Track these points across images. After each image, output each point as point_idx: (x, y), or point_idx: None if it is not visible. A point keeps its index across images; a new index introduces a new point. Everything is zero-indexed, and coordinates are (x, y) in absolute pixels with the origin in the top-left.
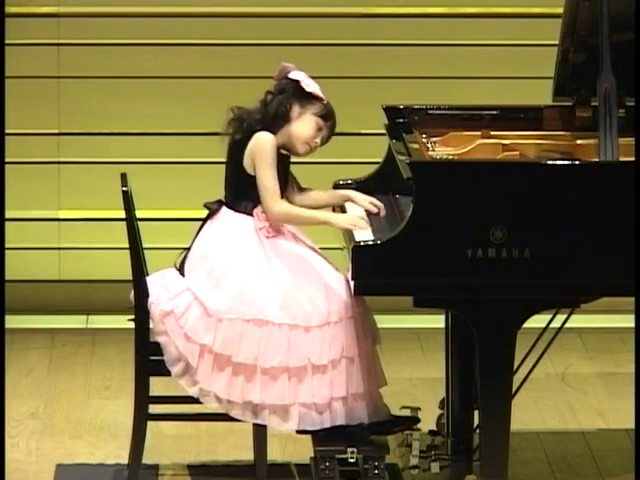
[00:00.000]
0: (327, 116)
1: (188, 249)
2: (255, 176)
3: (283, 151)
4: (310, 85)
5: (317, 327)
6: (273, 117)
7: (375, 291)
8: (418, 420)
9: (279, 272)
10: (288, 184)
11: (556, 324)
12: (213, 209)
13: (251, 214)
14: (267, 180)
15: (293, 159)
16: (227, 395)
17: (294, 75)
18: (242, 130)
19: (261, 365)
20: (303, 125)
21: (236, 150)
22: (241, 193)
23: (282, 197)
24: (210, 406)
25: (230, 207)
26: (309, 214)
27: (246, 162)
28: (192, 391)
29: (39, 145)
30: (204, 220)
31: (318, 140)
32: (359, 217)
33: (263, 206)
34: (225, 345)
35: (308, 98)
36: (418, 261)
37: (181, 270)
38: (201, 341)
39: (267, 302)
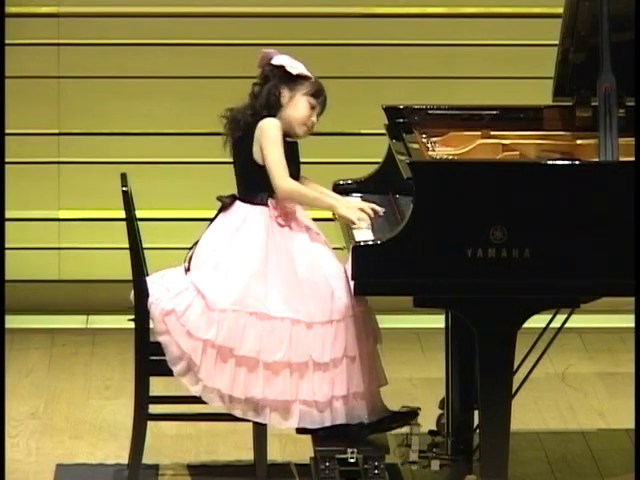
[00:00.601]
0: (318, 93)
1: (194, 246)
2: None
3: (287, 138)
4: (295, 67)
5: (319, 324)
6: (265, 107)
7: (375, 291)
8: (416, 414)
9: (285, 267)
10: (300, 171)
11: (556, 324)
12: (226, 203)
13: (267, 205)
14: (274, 157)
15: None
16: (230, 391)
17: (277, 61)
18: (240, 128)
19: (263, 359)
20: (296, 107)
21: (240, 147)
22: (255, 185)
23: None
24: (210, 406)
25: (245, 200)
26: (316, 195)
27: (255, 152)
28: (195, 390)
29: (39, 145)
30: (216, 214)
31: (314, 118)
32: (363, 215)
33: (272, 184)
34: (228, 338)
35: (295, 80)
36: (418, 261)
37: (189, 263)
38: (204, 337)
39: (271, 296)
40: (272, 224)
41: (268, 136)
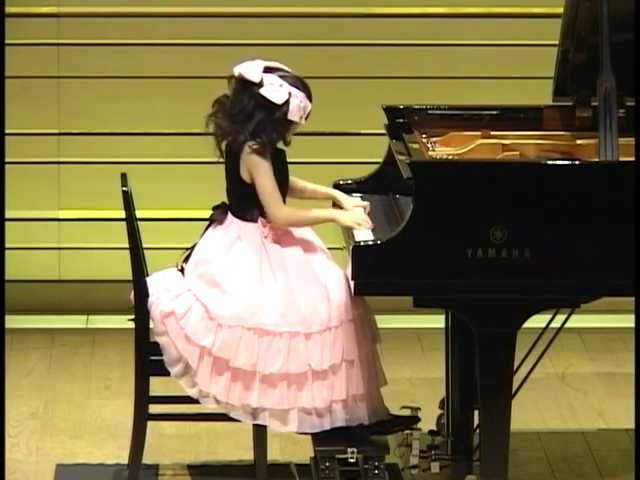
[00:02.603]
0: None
1: (191, 249)
2: (254, 185)
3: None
4: (304, 115)
5: (318, 333)
6: (271, 143)
7: (375, 291)
8: (418, 419)
9: (281, 280)
10: (289, 179)
11: (556, 324)
12: (219, 218)
13: (257, 222)
14: (266, 187)
15: (293, 159)
16: (226, 398)
17: (293, 116)
18: (232, 143)
19: (260, 371)
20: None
21: (229, 161)
22: (245, 202)
23: (285, 190)
24: (210, 406)
25: (236, 215)
26: (313, 215)
27: (243, 173)
28: (191, 392)
29: (39, 145)
30: (209, 223)
31: None
32: (362, 217)
33: (267, 213)
34: (224, 349)
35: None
36: (418, 261)
37: (183, 270)
38: (201, 343)
39: (268, 311)
40: (265, 239)
41: (257, 165)
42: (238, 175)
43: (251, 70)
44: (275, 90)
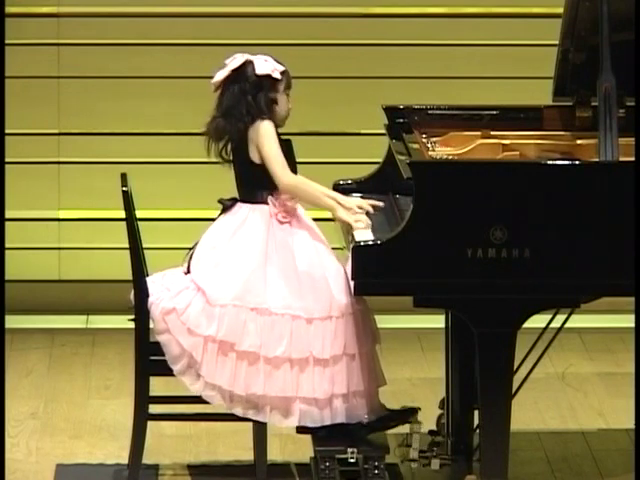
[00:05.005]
0: (290, 82)
1: (193, 248)
2: (262, 164)
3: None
4: (276, 68)
5: (319, 320)
6: (263, 113)
7: (375, 291)
8: (415, 412)
9: (285, 263)
10: (297, 169)
11: (556, 324)
12: (227, 205)
13: (267, 202)
14: (273, 153)
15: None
16: (231, 387)
17: (261, 70)
18: (231, 137)
19: (264, 354)
20: (282, 106)
21: (237, 152)
22: (254, 185)
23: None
24: (210, 406)
25: (245, 201)
26: (317, 192)
27: (252, 152)
28: (195, 388)
29: (39, 145)
30: (218, 215)
31: (291, 104)
32: (364, 218)
33: (274, 178)
34: (229, 333)
35: (277, 80)
36: (418, 261)
37: (189, 263)
38: (205, 333)
39: (271, 292)
40: (272, 222)
41: (265, 134)
42: (247, 158)
43: (219, 72)
44: (235, 61)
